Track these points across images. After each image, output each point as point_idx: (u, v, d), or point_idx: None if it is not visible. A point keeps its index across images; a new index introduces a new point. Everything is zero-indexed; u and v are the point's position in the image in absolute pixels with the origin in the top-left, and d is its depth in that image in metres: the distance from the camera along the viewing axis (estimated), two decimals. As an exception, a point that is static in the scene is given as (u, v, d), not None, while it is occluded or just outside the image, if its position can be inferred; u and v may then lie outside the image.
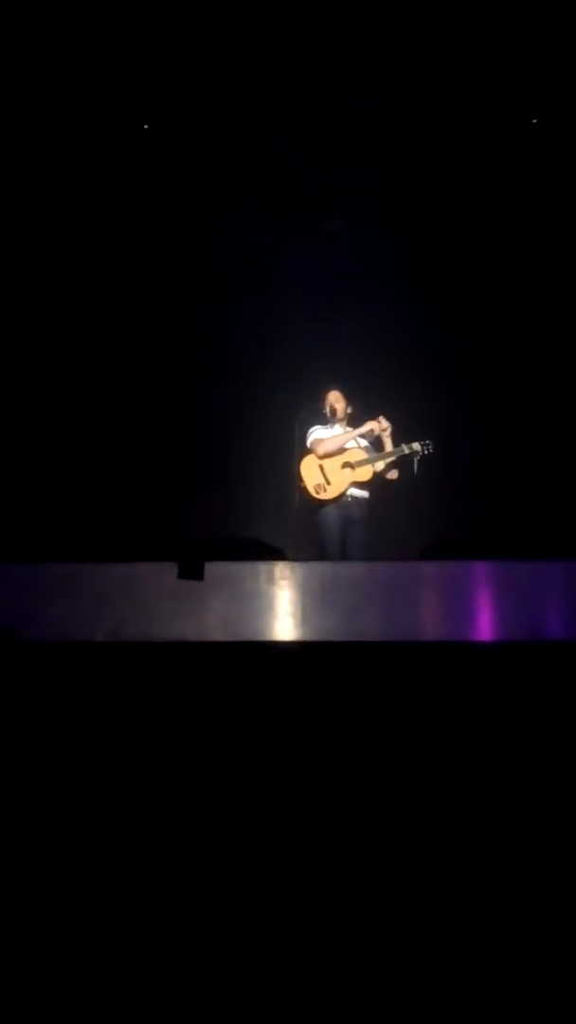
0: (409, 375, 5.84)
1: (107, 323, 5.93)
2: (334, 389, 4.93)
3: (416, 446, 4.68)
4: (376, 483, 4.78)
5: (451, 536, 5.20)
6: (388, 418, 4.79)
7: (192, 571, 3.22)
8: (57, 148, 5.62)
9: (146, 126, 5.63)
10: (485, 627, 3.30)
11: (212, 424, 5.96)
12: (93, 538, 5.53)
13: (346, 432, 4.80)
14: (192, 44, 5.14)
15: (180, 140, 5.70)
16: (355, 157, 5.69)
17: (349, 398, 4.92)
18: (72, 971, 2.20)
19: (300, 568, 3.26)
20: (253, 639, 3.14)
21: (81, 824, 2.54)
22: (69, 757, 2.70)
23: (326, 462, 4.73)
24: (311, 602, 3.17)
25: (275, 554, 4.46)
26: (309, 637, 3.14)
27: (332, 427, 4.84)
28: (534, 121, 5.53)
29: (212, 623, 3.19)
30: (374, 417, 4.81)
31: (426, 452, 4.69)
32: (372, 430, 4.77)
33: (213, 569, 3.22)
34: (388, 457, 4.72)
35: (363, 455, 4.76)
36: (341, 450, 4.74)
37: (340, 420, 4.86)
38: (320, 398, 4.89)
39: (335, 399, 4.89)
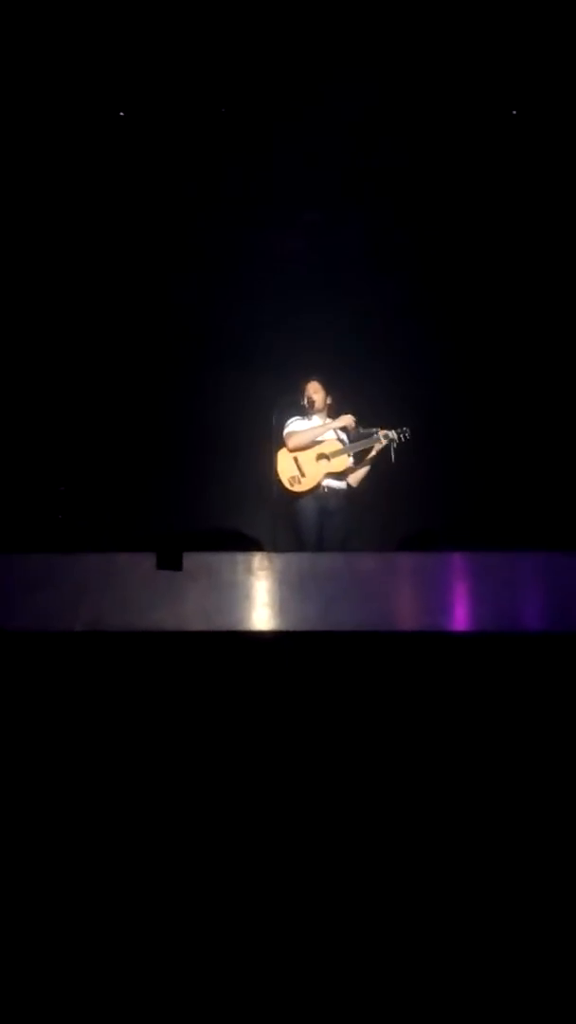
0: (387, 365, 5.86)
1: (82, 315, 5.91)
2: (313, 380, 4.92)
3: (392, 433, 4.69)
4: (359, 481, 4.81)
5: (428, 527, 5.23)
6: (362, 410, 4.82)
7: (170, 562, 3.23)
8: (34, 135, 5.58)
9: (121, 113, 5.61)
10: (461, 617, 3.33)
11: (190, 415, 5.95)
12: (71, 529, 5.52)
13: (323, 424, 4.81)
14: (166, 29, 5.11)
15: (155, 128, 5.68)
16: (333, 146, 5.69)
17: (328, 389, 4.92)
18: (67, 968, 2.21)
19: (278, 559, 3.28)
20: (231, 629, 3.16)
21: (63, 815, 2.55)
22: (50, 747, 2.71)
23: (300, 454, 4.75)
24: (289, 592, 3.20)
25: (253, 545, 4.48)
26: (287, 627, 3.16)
27: (310, 419, 4.85)
28: (513, 112, 5.56)
29: (190, 613, 3.20)
30: (351, 412, 4.83)
31: (403, 439, 4.68)
32: (346, 427, 4.78)
33: (191, 560, 3.23)
34: (364, 446, 4.74)
35: (338, 446, 4.78)
36: (313, 443, 4.75)
37: (319, 411, 4.86)
38: (299, 389, 4.90)
39: (314, 390, 4.88)
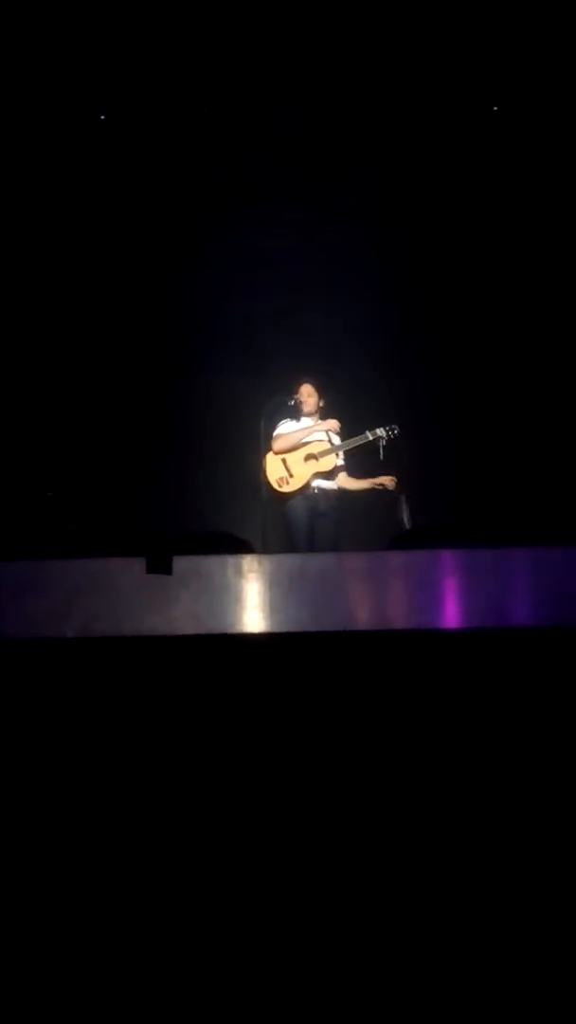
0: (375, 364, 5.88)
1: (70, 319, 5.89)
2: (307, 383, 4.89)
3: (379, 431, 4.68)
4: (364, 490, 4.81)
5: (417, 525, 5.24)
6: (352, 409, 4.81)
7: (160, 566, 3.22)
8: (22, 137, 5.56)
9: (103, 116, 5.59)
10: (452, 615, 3.33)
11: (179, 418, 5.95)
12: (60, 534, 5.50)
13: (306, 427, 4.80)
14: (149, 32, 5.10)
15: (138, 130, 5.66)
16: (318, 148, 5.69)
17: (322, 392, 4.89)
18: (66, 967, 2.20)
19: (268, 560, 3.27)
20: (223, 632, 3.15)
21: (56, 821, 2.54)
22: (43, 754, 2.70)
23: (288, 455, 4.74)
24: (280, 594, 3.19)
25: (243, 547, 4.47)
26: (279, 628, 3.15)
27: (300, 421, 4.84)
28: (495, 108, 5.57)
29: (181, 617, 3.19)
30: (341, 411, 4.82)
31: (391, 436, 4.68)
32: (331, 429, 4.77)
33: (181, 563, 3.22)
34: (352, 444, 4.74)
35: (326, 445, 4.77)
36: (298, 445, 4.73)
37: (311, 414, 4.84)
38: (291, 391, 4.86)
39: (307, 393, 4.85)
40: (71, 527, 5.56)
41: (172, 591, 3.19)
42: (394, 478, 4.66)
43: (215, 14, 5.00)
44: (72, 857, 2.46)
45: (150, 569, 3.21)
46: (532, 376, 5.87)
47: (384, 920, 2.31)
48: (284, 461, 4.74)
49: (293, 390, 4.87)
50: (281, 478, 4.72)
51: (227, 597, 3.18)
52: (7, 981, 2.17)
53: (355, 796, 2.59)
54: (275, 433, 4.77)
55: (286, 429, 4.78)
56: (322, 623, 3.14)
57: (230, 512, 5.25)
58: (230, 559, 3.25)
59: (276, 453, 4.73)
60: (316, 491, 4.75)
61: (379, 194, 5.87)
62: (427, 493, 5.74)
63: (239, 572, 3.20)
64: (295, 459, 4.74)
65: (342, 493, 4.83)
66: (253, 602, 3.17)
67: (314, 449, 4.76)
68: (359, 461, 4.95)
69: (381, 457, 4.72)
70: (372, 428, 4.71)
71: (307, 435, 4.75)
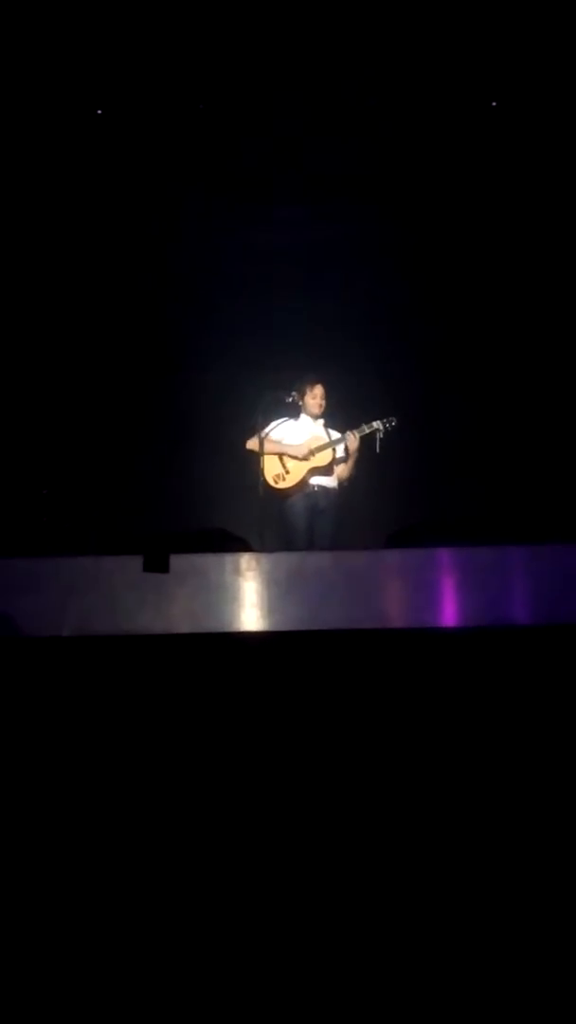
0: (372, 361, 5.86)
1: (65, 316, 5.87)
2: (319, 384, 4.82)
3: (376, 424, 4.65)
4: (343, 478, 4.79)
5: (415, 523, 5.23)
6: (349, 404, 4.80)
7: (157, 564, 3.21)
8: (12, 133, 5.53)
9: (99, 111, 5.56)
10: (450, 613, 3.33)
11: (175, 415, 5.93)
12: (56, 532, 5.49)
13: (293, 446, 4.71)
14: (144, 26, 5.08)
15: (135, 125, 5.64)
16: (317, 141, 5.67)
17: (326, 395, 4.83)
18: (67, 969, 2.19)
19: (266, 559, 3.26)
20: (220, 631, 3.15)
21: (53, 820, 2.53)
22: (40, 753, 2.69)
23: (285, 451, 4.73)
24: (277, 592, 3.18)
25: (241, 545, 4.46)
26: (276, 627, 3.15)
27: (298, 419, 4.80)
28: (493, 104, 5.56)
29: (178, 615, 3.19)
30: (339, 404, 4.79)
31: (388, 427, 4.65)
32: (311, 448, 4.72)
33: (178, 561, 3.21)
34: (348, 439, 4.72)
35: (322, 440, 4.75)
36: (278, 452, 4.66)
37: (315, 416, 4.79)
38: (295, 388, 4.78)
39: (321, 395, 4.76)
40: (66, 525, 5.54)
41: (169, 589, 3.19)
42: (353, 434, 4.63)
43: (211, 7, 4.98)
44: (69, 853, 2.45)
45: (147, 567, 3.20)
46: (530, 373, 5.87)
47: (379, 916, 2.31)
48: (280, 457, 4.72)
49: (299, 388, 4.79)
50: (277, 475, 4.70)
51: (225, 595, 3.17)
52: (7, 981, 2.16)
53: (353, 794, 2.59)
54: (265, 431, 4.65)
55: (277, 435, 4.67)
56: (320, 622, 3.14)
57: (227, 509, 5.23)
58: (228, 557, 3.24)
59: (249, 449, 4.67)
60: (315, 489, 4.74)
61: (376, 190, 5.86)
62: (424, 492, 5.75)
63: (237, 570, 3.19)
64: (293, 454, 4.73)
65: (341, 489, 4.81)
66: (251, 600, 3.16)
67: (311, 444, 4.74)
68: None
69: (377, 449, 4.68)
70: (369, 421, 4.68)
71: (290, 452, 4.67)
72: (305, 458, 4.69)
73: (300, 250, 6.02)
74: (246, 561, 3.22)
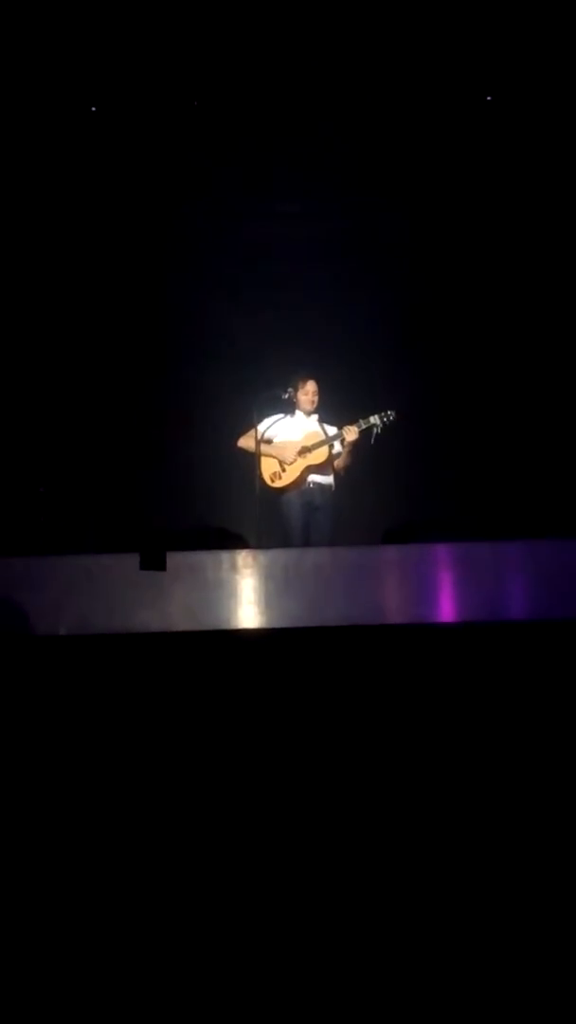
0: (369, 356, 5.86)
1: (61, 313, 5.86)
2: (312, 379, 4.81)
3: (373, 419, 4.64)
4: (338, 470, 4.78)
5: (412, 519, 5.24)
6: (346, 399, 4.79)
7: (154, 561, 3.21)
8: (6, 130, 5.52)
9: (94, 108, 5.55)
10: (447, 609, 3.33)
11: (171, 412, 5.93)
12: (52, 530, 5.48)
13: (283, 447, 4.70)
14: (140, 21, 5.06)
15: (130, 122, 5.62)
16: (313, 136, 5.66)
17: (319, 391, 4.82)
18: (67, 969, 2.19)
19: (263, 555, 3.26)
20: (218, 628, 3.15)
21: (50, 819, 2.53)
22: (37, 752, 2.69)
23: (282, 448, 4.72)
24: (275, 589, 3.18)
25: (238, 542, 4.46)
26: (274, 624, 3.15)
27: (294, 415, 4.81)
28: (488, 98, 5.55)
29: (176, 613, 3.19)
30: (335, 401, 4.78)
31: (386, 421, 4.63)
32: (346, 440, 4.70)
33: (175, 559, 3.21)
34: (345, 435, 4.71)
35: (319, 437, 4.75)
36: (267, 454, 4.65)
37: (308, 412, 4.79)
38: (291, 384, 4.77)
39: (313, 391, 4.76)
40: (63, 523, 5.53)
41: (166, 587, 3.19)
42: (351, 427, 4.61)
43: (207, 3, 4.97)
44: (67, 851, 2.46)
45: (144, 565, 3.20)
46: (527, 368, 5.87)
47: (375, 913, 2.31)
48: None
49: (293, 384, 4.78)
50: (274, 473, 4.70)
51: (222, 592, 3.17)
52: (6, 980, 2.16)
53: (351, 790, 2.59)
54: (261, 431, 4.61)
55: (271, 434, 4.66)
56: (318, 618, 3.14)
57: (224, 507, 5.23)
58: (225, 554, 3.24)
59: (239, 446, 4.67)
60: (311, 485, 4.73)
61: (374, 185, 5.85)
62: (421, 487, 5.76)
63: (234, 567, 3.19)
64: (288, 452, 4.72)
65: (338, 482, 4.80)
66: (248, 597, 3.16)
67: (307, 442, 4.73)
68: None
69: (372, 442, 4.67)
70: (366, 416, 4.66)
71: (277, 454, 4.67)
72: (293, 460, 4.68)
73: (296, 246, 6.01)
74: (243, 558, 3.23)
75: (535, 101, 5.49)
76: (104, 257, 5.94)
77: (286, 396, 4.73)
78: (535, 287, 5.86)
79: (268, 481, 4.68)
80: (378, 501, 5.49)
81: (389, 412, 4.64)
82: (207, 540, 4.20)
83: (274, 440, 4.73)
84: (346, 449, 4.70)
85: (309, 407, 4.79)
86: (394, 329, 5.93)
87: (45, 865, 2.43)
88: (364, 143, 5.67)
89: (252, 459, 4.61)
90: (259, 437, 4.60)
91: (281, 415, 4.75)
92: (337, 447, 4.73)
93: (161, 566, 3.19)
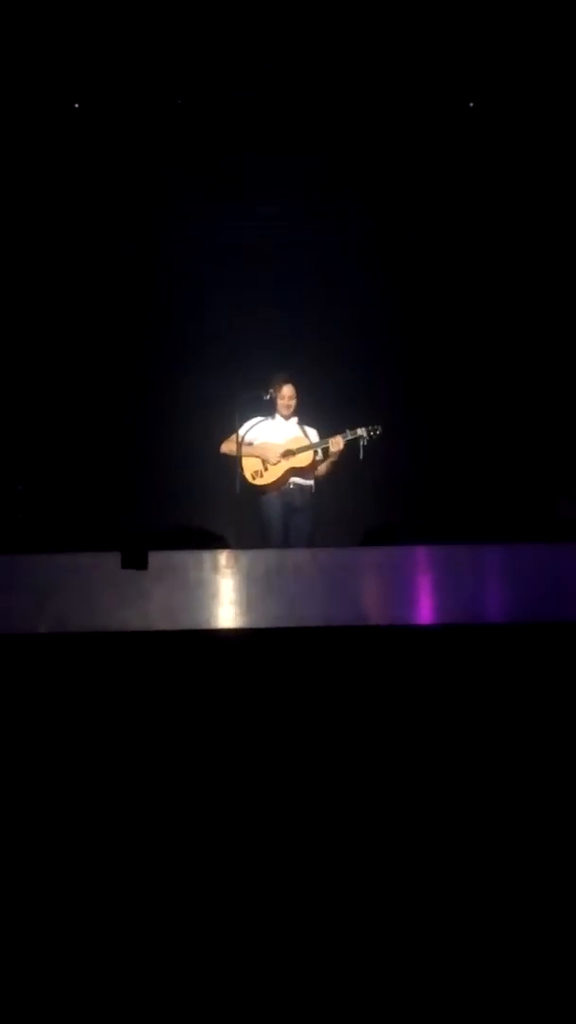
0: (349, 361, 5.88)
1: (43, 313, 5.84)
2: (289, 383, 4.80)
3: (360, 431, 4.62)
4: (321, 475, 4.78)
5: (391, 521, 5.26)
6: (327, 406, 4.80)
7: (135, 561, 3.21)
8: None
9: (76, 105, 5.52)
10: (426, 611, 3.36)
11: (152, 411, 5.92)
12: (31, 529, 5.46)
13: (266, 446, 4.71)
14: (123, 20, 5.05)
15: (113, 121, 5.60)
16: (291, 140, 5.67)
17: (299, 393, 4.82)
18: (67, 969, 2.18)
19: (244, 556, 3.27)
20: (198, 628, 3.15)
21: (35, 818, 2.53)
22: (16, 750, 2.68)
23: (266, 449, 4.72)
24: (255, 590, 3.19)
25: (219, 542, 4.46)
26: (254, 624, 3.16)
27: (274, 418, 4.80)
28: (471, 104, 5.58)
29: (156, 612, 3.19)
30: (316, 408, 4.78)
31: (372, 435, 4.60)
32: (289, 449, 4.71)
33: (156, 558, 3.21)
34: (329, 442, 4.71)
35: (304, 442, 4.75)
36: (247, 455, 4.65)
37: (287, 414, 4.79)
38: (270, 386, 4.77)
39: (289, 395, 4.75)
40: (42, 521, 5.50)
41: (147, 586, 3.19)
42: (337, 438, 4.60)
43: (188, 2, 4.97)
44: (58, 849, 2.45)
45: (125, 564, 3.20)
46: (506, 374, 5.91)
47: (369, 911, 2.32)
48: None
49: (272, 386, 4.78)
50: (256, 471, 4.69)
51: (203, 593, 3.18)
52: (6, 980, 2.15)
53: (332, 789, 2.60)
54: (242, 434, 4.59)
55: (252, 436, 4.65)
56: (298, 619, 3.15)
57: (205, 507, 5.23)
58: (206, 554, 3.25)
59: (223, 451, 4.67)
60: (292, 487, 4.73)
61: (361, 190, 5.87)
62: (400, 490, 5.78)
63: (215, 567, 3.20)
64: (272, 453, 4.72)
65: (317, 487, 4.81)
66: (229, 598, 3.17)
67: (292, 445, 4.73)
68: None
69: (360, 456, 4.63)
70: (353, 427, 4.63)
71: (259, 453, 4.67)
72: (277, 461, 4.68)
73: (282, 250, 6.02)
74: (224, 558, 3.23)
75: (518, 105, 5.52)
76: (85, 258, 5.92)
77: (267, 397, 4.72)
78: (522, 294, 5.89)
79: (249, 478, 4.65)
80: (358, 503, 5.50)
81: (376, 426, 4.60)
82: (188, 540, 4.20)
83: (255, 443, 4.73)
84: (330, 458, 4.70)
85: (286, 412, 4.78)
86: (377, 332, 5.95)
87: (27, 862, 2.42)
88: (348, 145, 5.69)
89: (234, 461, 4.60)
90: (240, 440, 4.58)
91: (261, 418, 4.74)
92: (321, 455, 4.73)
93: (142, 565, 3.19)
